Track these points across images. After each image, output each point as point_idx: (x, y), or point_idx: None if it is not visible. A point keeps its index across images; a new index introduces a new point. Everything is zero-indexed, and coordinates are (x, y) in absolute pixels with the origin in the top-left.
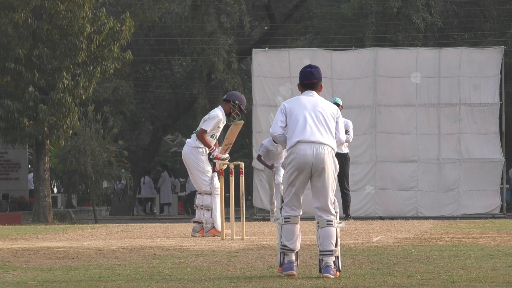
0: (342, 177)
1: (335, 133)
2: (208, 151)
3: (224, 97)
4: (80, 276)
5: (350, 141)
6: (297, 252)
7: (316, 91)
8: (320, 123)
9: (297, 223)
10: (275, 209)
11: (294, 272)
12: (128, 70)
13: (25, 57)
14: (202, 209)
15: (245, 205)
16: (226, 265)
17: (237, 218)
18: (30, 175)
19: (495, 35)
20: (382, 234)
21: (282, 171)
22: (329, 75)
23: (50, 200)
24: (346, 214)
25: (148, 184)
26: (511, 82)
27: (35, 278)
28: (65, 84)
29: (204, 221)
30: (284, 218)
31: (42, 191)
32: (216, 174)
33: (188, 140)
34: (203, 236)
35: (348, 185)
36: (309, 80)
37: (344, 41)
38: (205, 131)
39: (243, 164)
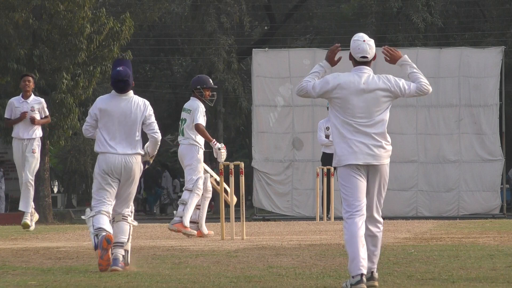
0: None
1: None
2: (213, 143)
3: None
4: (80, 276)
5: None
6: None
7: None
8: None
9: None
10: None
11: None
12: None
13: (26, 57)
14: (198, 208)
15: (245, 205)
16: (226, 265)
17: (237, 218)
18: None
19: (495, 35)
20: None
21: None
22: None
23: (50, 200)
24: None
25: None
26: (511, 82)
27: (35, 278)
28: (65, 84)
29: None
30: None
31: (42, 191)
32: (208, 176)
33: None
34: (198, 236)
35: None
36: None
37: (344, 41)
38: (201, 124)
39: (243, 164)
